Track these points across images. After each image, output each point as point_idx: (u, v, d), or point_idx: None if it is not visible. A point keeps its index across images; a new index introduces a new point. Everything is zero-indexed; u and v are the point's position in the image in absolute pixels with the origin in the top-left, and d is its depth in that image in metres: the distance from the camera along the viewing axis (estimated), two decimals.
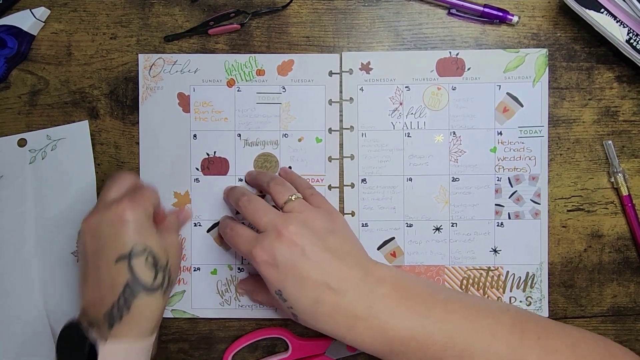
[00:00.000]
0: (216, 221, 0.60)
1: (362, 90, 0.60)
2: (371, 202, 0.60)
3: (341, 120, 0.60)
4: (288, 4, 0.59)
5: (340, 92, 0.60)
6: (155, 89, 0.60)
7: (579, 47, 0.59)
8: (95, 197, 0.59)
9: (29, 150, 0.60)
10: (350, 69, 0.60)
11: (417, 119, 0.59)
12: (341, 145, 0.60)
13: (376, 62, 0.59)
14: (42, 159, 0.59)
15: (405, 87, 0.59)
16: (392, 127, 0.60)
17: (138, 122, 0.60)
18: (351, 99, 0.60)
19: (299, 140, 0.60)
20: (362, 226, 0.60)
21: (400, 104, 0.60)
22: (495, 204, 0.60)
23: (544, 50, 0.58)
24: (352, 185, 0.60)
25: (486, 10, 0.58)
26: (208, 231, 0.60)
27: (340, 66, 0.60)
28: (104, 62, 0.60)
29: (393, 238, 0.60)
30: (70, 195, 0.59)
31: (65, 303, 0.59)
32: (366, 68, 0.60)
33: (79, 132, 0.60)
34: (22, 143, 0.60)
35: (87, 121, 0.60)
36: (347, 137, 0.60)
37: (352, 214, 0.60)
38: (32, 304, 0.59)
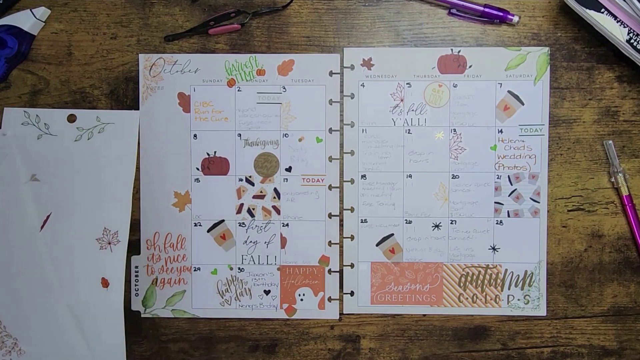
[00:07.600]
0: (216, 221, 0.60)
1: (363, 86, 0.60)
2: (371, 198, 0.60)
3: (342, 116, 0.60)
4: (288, 3, 0.59)
5: (342, 88, 0.60)
6: (156, 89, 0.60)
7: (580, 47, 0.59)
8: (131, 186, 0.59)
9: (77, 128, 0.59)
10: (352, 64, 0.60)
11: (417, 115, 0.60)
12: (341, 142, 0.60)
13: (378, 58, 0.60)
14: (88, 139, 0.59)
15: (407, 83, 0.59)
16: (392, 124, 0.60)
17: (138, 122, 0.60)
18: (352, 95, 0.60)
19: (300, 140, 0.60)
20: (361, 222, 0.60)
21: (401, 100, 0.60)
22: (495, 202, 0.60)
23: (546, 49, 0.59)
24: (352, 181, 0.60)
25: (486, 10, 0.58)
26: (208, 231, 0.60)
27: (342, 62, 0.60)
28: (105, 62, 0.60)
29: (392, 234, 0.60)
30: (107, 181, 0.59)
31: (87, 285, 0.59)
32: (368, 64, 0.60)
33: (128, 120, 0.59)
34: (72, 119, 0.59)
35: (138, 111, 0.60)
36: (348, 133, 0.60)
37: (352, 209, 0.60)
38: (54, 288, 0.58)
